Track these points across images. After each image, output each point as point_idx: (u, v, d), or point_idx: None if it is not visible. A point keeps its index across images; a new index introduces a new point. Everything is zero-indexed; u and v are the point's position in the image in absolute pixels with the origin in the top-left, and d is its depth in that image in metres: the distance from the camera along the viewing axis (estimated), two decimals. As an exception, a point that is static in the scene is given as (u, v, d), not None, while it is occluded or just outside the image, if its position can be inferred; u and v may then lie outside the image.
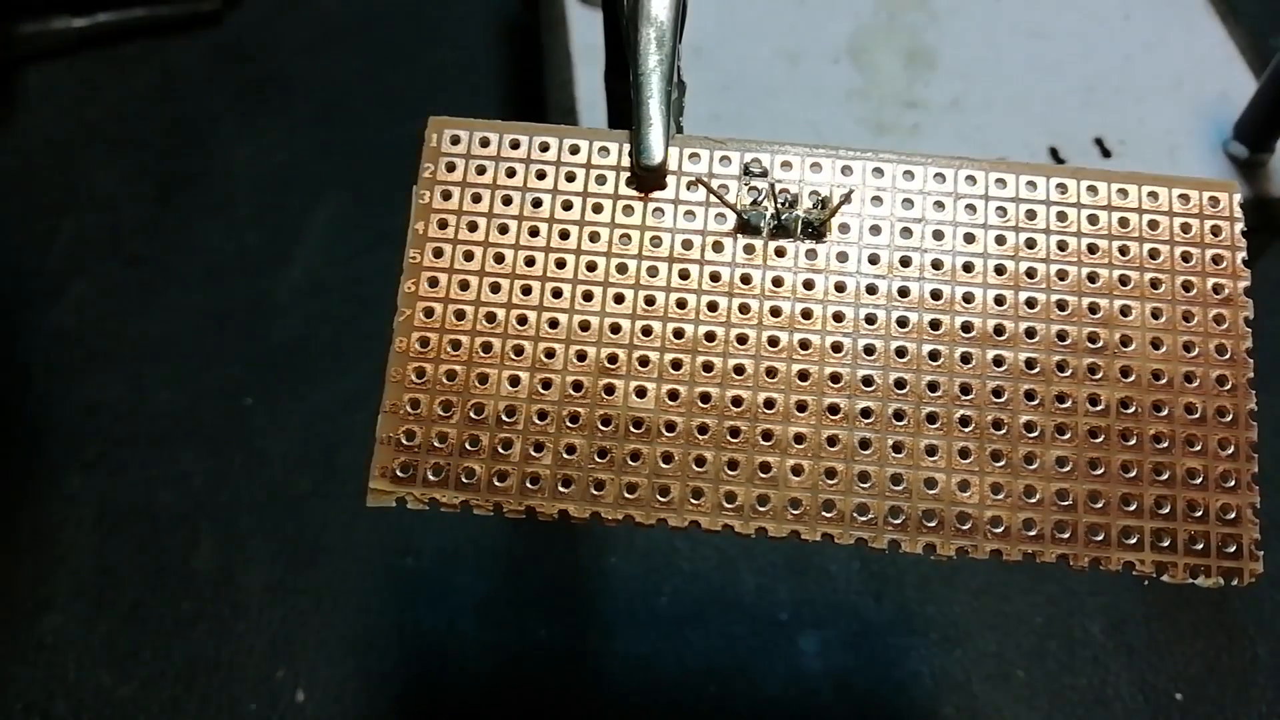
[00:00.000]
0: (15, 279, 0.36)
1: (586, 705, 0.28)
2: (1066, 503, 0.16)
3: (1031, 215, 0.17)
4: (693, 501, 0.16)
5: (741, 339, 0.16)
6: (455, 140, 0.17)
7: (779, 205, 0.17)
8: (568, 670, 0.29)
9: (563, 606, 0.30)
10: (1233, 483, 0.16)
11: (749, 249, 0.17)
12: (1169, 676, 0.28)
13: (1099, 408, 0.16)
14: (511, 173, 0.17)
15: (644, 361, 0.16)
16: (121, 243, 0.37)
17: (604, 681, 0.29)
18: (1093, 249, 0.17)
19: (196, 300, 0.36)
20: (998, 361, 0.16)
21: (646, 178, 0.17)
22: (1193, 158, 0.28)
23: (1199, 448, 0.16)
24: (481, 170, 0.17)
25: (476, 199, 0.17)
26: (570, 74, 0.29)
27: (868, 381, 0.16)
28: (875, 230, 0.17)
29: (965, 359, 0.16)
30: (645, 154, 0.17)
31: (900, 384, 0.16)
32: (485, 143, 0.17)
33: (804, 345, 0.16)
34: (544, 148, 0.17)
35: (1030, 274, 0.17)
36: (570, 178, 0.17)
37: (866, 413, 0.16)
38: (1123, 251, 0.17)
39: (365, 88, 0.42)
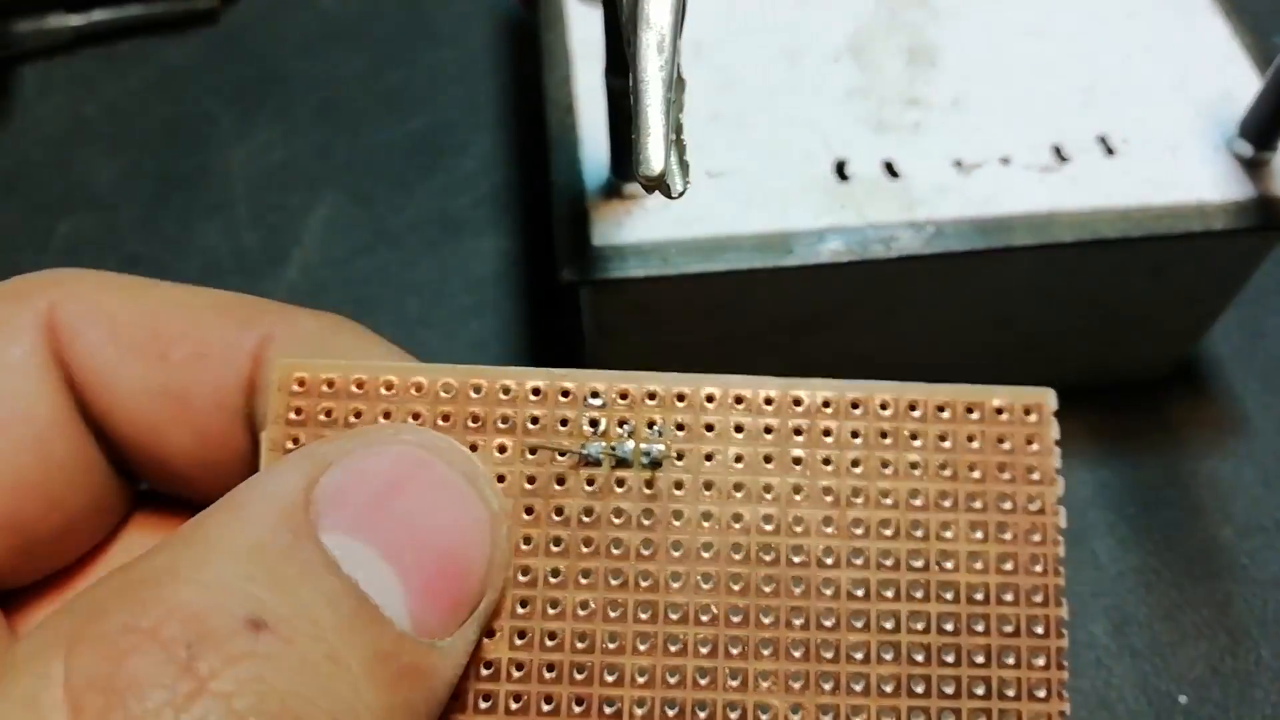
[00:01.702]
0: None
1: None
2: None
3: (855, 435, 0.17)
4: None
5: (585, 573, 0.16)
6: (301, 383, 0.17)
7: (616, 438, 0.17)
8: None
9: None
10: (1043, 692, 0.16)
11: (590, 481, 0.17)
12: (1172, 679, 0.28)
13: (921, 626, 0.16)
14: (358, 414, 0.17)
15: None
16: (119, 242, 0.37)
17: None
18: (914, 466, 0.17)
19: (194, 300, 0.36)
20: (826, 584, 0.17)
21: (648, 186, 0.17)
22: (1196, 156, 0.28)
23: (1013, 660, 0.16)
24: (328, 414, 0.17)
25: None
26: (569, 71, 0.29)
27: (704, 611, 0.17)
28: (709, 457, 0.17)
29: (796, 583, 0.17)
30: (644, 165, 0.17)
31: (735, 611, 0.17)
32: (331, 384, 0.17)
33: (644, 577, 0.17)
34: (388, 387, 0.17)
35: (855, 493, 0.17)
36: (415, 416, 0.17)
37: (704, 642, 0.16)
38: (943, 467, 0.17)
39: (363, 86, 0.42)
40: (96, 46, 0.43)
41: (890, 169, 0.28)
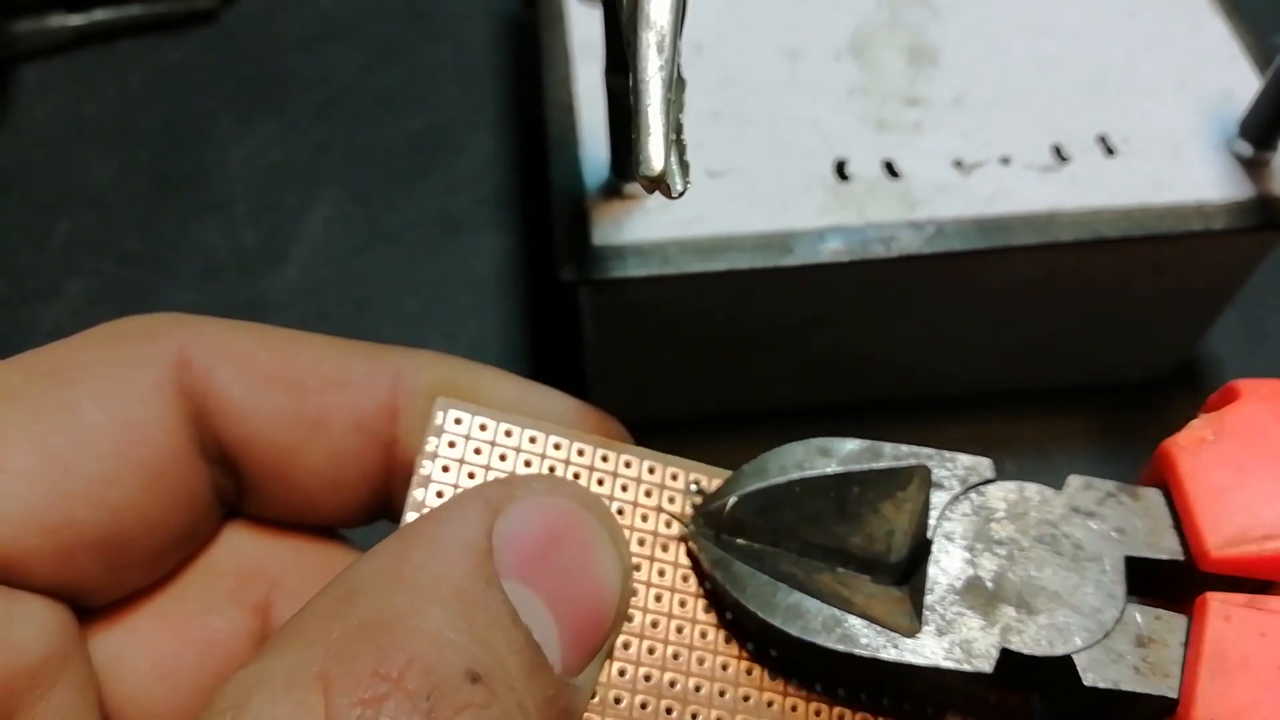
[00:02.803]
0: (11, 277, 0.36)
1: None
2: None
3: None
4: None
5: (680, 628, 0.19)
6: (458, 421, 0.19)
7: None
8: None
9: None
10: None
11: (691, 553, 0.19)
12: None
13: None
14: (503, 458, 0.19)
15: None
16: (117, 241, 0.37)
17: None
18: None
19: (193, 299, 0.36)
20: None
21: (648, 186, 0.17)
22: (1196, 156, 0.28)
23: None
24: (478, 452, 0.19)
25: (471, 476, 0.19)
26: (569, 70, 0.29)
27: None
28: None
29: None
30: (644, 164, 0.17)
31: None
32: (484, 427, 0.19)
33: (729, 639, 0.19)
34: (532, 440, 0.19)
35: None
36: (551, 470, 0.19)
37: (771, 701, 0.18)
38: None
39: (362, 85, 0.41)
40: (96, 46, 0.43)
41: (890, 168, 0.28)
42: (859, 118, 0.29)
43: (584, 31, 0.30)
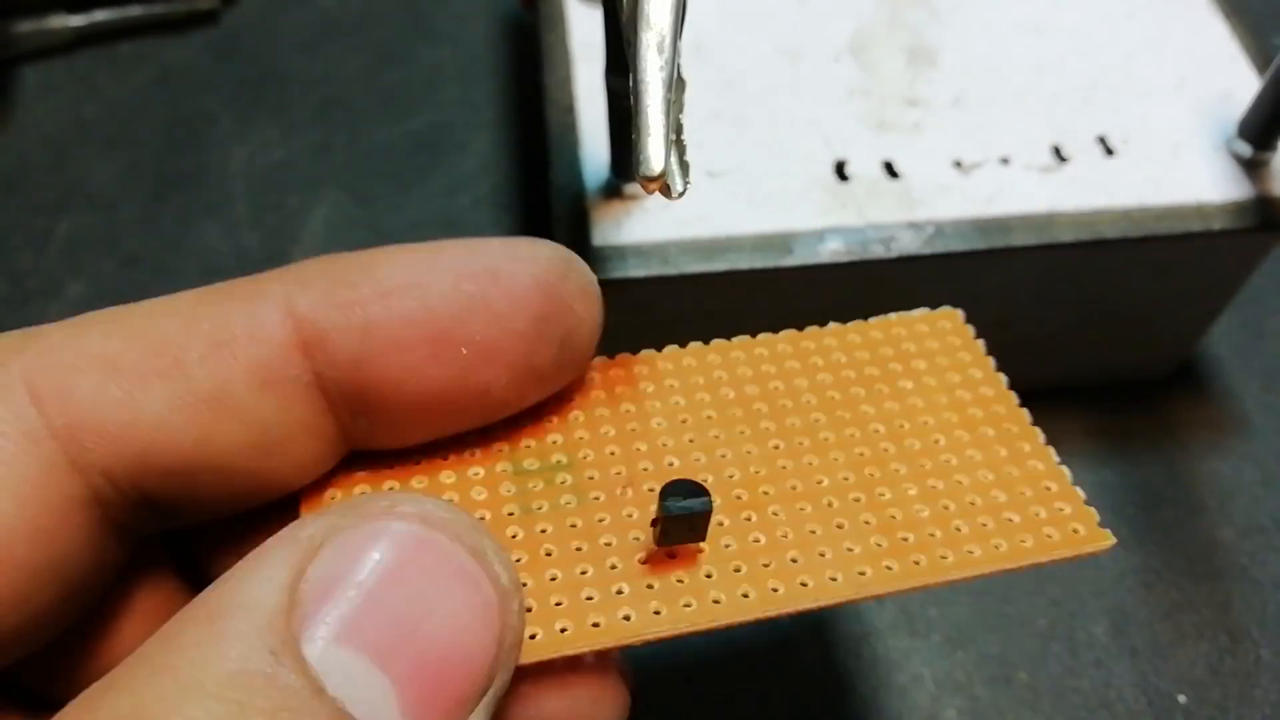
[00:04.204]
0: (12, 278, 0.36)
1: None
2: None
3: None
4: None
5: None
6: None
7: None
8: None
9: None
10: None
11: None
12: (1172, 679, 0.28)
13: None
14: None
15: None
16: (118, 242, 0.37)
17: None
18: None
19: (194, 300, 0.36)
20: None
21: (649, 186, 0.17)
22: (1196, 156, 0.28)
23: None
24: None
25: None
26: (569, 71, 0.29)
27: None
28: None
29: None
30: (644, 165, 0.17)
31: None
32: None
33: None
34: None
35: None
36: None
37: None
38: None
39: (363, 86, 0.42)
40: (97, 46, 0.43)
41: (890, 169, 0.28)
42: (859, 118, 0.29)
43: (584, 32, 0.30)
